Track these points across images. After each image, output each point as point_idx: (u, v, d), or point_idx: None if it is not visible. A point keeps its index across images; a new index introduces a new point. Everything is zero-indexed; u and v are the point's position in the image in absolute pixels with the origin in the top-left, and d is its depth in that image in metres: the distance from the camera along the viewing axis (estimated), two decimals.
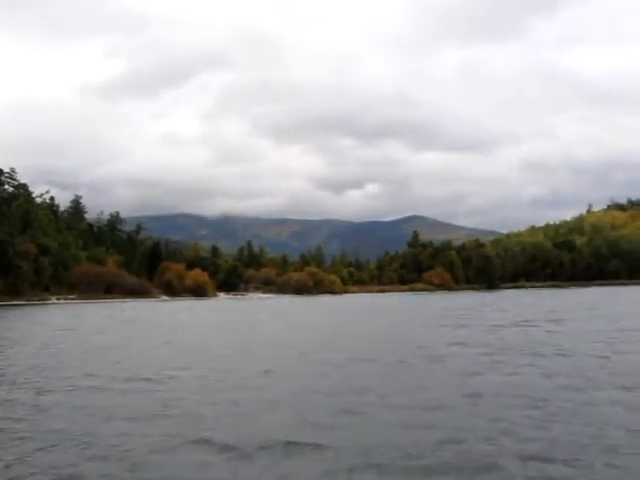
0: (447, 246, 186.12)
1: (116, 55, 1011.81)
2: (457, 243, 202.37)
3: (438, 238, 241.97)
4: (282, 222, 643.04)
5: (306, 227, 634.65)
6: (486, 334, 29.61)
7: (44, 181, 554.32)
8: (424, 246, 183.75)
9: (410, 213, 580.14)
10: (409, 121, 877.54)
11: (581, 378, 15.69)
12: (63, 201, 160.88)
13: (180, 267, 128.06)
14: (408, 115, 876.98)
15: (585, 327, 33.24)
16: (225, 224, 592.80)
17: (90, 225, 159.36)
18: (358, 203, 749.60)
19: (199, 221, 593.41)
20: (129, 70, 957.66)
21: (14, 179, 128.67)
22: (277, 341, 29.41)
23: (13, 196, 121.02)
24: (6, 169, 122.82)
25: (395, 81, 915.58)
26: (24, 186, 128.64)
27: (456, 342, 25.47)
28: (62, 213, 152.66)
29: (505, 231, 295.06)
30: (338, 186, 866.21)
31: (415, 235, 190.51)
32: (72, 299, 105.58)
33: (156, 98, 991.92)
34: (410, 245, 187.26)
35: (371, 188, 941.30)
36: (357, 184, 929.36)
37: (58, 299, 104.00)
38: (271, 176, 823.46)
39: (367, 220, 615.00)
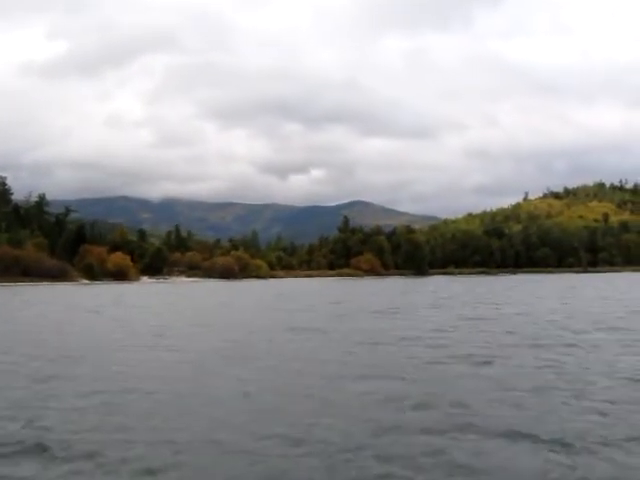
0: (377, 231, 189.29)
1: (58, 36, 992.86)
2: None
3: (381, 224, 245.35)
4: (226, 206, 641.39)
5: (250, 211, 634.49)
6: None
7: None
8: (354, 231, 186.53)
9: (354, 198, 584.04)
10: (356, 107, 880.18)
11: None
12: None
13: (101, 250, 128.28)
14: (355, 101, 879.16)
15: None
16: (168, 207, 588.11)
17: (17, 207, 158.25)
18: (302, 188, 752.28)
19: (142, 204, 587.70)
20: (72, 51, 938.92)
21: None
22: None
23: None
24: None
25: (343, 68, 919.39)
26: None
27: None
28: None
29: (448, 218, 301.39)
30: (283, 171, 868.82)
31: (345, 220, 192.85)
32: None
33: (100, 79, 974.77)
34: (340, 230, 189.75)
35: (316, 173, 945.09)
36: (302, 169, 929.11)
37: None
38: (215, 160, 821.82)
39: (310, 205, 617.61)
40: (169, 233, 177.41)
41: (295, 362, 16.75)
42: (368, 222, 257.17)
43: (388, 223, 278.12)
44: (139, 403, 12.32)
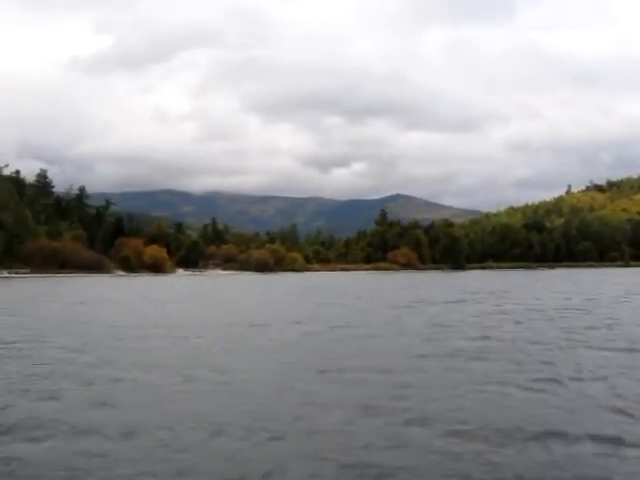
0: (414, 225, 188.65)
1: (105, 30, 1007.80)
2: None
3: (423, 218, 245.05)
4: (268, 199, 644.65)
5: (292, 205, 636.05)
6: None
7: (31, 155, 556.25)
8: (391, 225, 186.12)
9: (396, 192, 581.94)
10: (398, 100, 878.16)
11: None
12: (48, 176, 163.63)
13: (138, 242, 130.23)
14: (397, 94, 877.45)
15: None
16: (210, 201, 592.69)
17: (58, 200, 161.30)
18: (344, 181, 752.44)
19: (184, 198, 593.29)
20: (117, 45, 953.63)
21: None
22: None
23: None
24: None
25: (384, 60, 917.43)
26: None
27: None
28: (29, 187, 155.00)
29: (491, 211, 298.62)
30: (325, 164, 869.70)
31: (383, 213, 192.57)
32: (24, 273, 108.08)
33: (144, 74, 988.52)
34: (377, 223, 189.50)
35: (357, 167, 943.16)
36: (344, 162, 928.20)
37: (9, 273, 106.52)
38: (258, 153, 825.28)
39: (352, 198, 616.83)
40: (206, 226, 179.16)
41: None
42: (410, 216, 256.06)
43: (430, 217, 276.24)
44: None
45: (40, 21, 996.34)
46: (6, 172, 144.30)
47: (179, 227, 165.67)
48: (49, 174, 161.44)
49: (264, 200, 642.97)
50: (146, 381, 12.97)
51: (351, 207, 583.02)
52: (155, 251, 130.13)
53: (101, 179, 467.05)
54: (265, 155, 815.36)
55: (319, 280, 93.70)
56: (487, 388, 12.06)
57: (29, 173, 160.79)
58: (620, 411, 10.11)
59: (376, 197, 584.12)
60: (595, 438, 8.68)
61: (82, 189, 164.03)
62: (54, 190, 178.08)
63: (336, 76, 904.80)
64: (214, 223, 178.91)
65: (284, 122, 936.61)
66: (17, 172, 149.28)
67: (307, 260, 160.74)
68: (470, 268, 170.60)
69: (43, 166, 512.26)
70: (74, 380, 13.03)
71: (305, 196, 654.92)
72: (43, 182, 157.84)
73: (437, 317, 27.00)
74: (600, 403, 10.69)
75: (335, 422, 9.66)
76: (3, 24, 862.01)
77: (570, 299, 39.23)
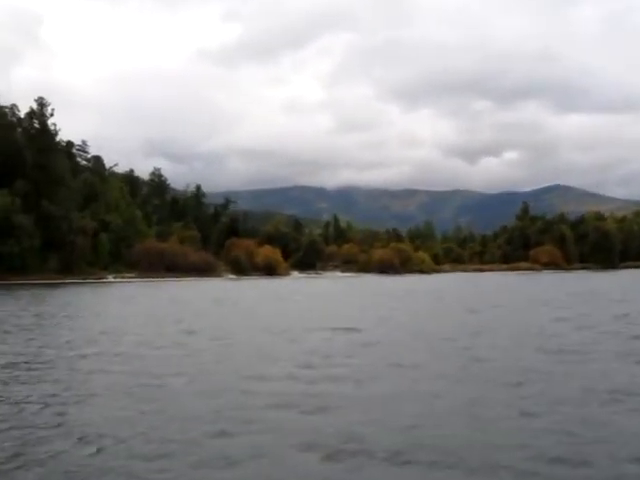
0: (560, 219, 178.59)
1: (233, 19, 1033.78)
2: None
3: (586, 210, 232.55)
4: (409, 193, 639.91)
5: (436, 199, 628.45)
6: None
7: (159, 154, 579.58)
8: (533, 219, 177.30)
9: (553, 182, 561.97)
10: (551, 80, 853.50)
11: None
12: (176, 174, 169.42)
13: (250, 243, 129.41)
14: (551, 74, 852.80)
15: None
16: (347, 196, 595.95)
17: (174, 199, 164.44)
18: (493, 172, 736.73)
19: (319, 194, 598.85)
20: (246, 34, 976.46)
21: (85, 151, 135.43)
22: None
23: (80, 170, 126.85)
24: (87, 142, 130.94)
25: (534, 37, 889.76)
26: (98, 159, 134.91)
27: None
28: (143, 187, 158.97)
29: None
30: (471, 154, 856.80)
31: (525, 207, 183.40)
32: (130, 277, 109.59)
33: (275, 63, 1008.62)
34: (518, 218, 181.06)
35: (508, 155, 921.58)
36: (493, 151, 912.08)
37: (115, 277, 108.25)
38: (398, 144, 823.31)
39: (503, 191, 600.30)
40: (327, 224, 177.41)
41: None
42: (570, 209, 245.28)
43: (595, 210, 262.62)
44: None
45: (164, 13, 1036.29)
46: (119, 171, 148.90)
47: (297, 226, 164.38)
48: (177, 172, 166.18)
49: (406, 194, 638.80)
50: None
51: (502, 200, 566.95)
52: (268, 252, 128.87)
53: (231, 176, 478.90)
54: (405, 145, 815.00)
55: (444, 283, 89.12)
56: None
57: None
58: None
59: (530, 189, 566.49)
60: None
61: (198, 187, 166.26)
62: (177, 189, 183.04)
63: (482, 56, 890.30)
64: (335, 220, 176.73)
65: (426, 109, 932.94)
66: (131, 170, 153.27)
67: (437, 260, 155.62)
68: (623, 267, 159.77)
69: (171, 164, 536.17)
70: None
71: (450, 189, 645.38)
72: (158, 181, 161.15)
73: None
74: None
75: None
76: (125, 17, 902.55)
77: None
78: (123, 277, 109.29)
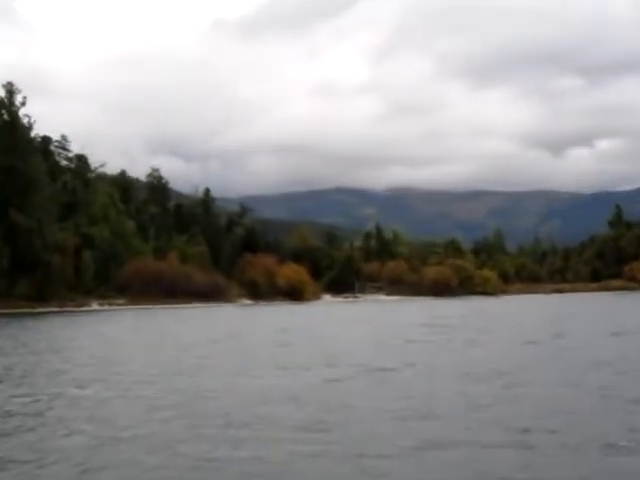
0: None
1: None
2: None
3: None
4: (477, 195, 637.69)
5: (511, 201, 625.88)
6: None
7: (167, 151, 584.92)
8: (629, 226, 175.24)
9: None
10: None
11: None
12: (186, 176, 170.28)
13: (269, 261, 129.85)
14: None
15: None
16: (399, 200, 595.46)
17: (178, 206, 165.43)
18: (585, 167, 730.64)
19: (364, 197, 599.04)
20: (271, 1, 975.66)
21: (66, 149, 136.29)
22: None
23: (59, 171, 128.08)
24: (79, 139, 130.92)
25: (633, 2, 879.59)
26: (81, 158, 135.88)
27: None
28: (140, 191, 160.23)
29: None
30: (556, 144, 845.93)
31: (617, 211, 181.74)
32: (119, 305, 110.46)
33: (307, 36, 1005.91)
34: (611, 225, 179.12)
35: (603, 145, 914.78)
36: (583, 141, 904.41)
37: (101, 305, 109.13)
38: (462, 133, 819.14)
39: (597, 190, 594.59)
40: (367, 235, 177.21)
41: None
42: None
43: None
44: None
45: None
46: (109, 172, 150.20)
47: (330, 238, 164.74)
48: (188, 172, 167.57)
49: (472, 197, 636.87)
50: None
51: (596, 202, 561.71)
52: (292, 272, 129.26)
53: (255, 177, 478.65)
54: (472, 135, 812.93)
55: (520, 308, 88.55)
56: None
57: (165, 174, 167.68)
58: None
59: (631, 187, 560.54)
60: None
61: (207, 191, 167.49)
62: (185, 193, 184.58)
63: (569, 24, 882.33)
64: (378, 231, 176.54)
65: (497, 88, 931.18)
66: (122, 172, 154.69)
67: (506, 278, 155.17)
68: None
69: (181, 164, 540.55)
70: None
71: (530, 189, 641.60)
72: (157, 183, 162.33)
73: None
74: None
75: None
76: None
77: None
78: (110, 304, 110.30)
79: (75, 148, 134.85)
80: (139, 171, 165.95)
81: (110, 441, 14.56)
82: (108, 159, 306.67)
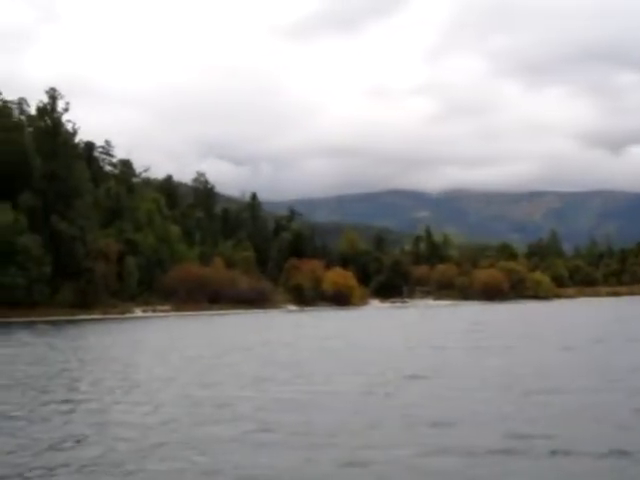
0: None
1: None
2: None
3: None
4: (535, 196, 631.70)
5: (570, 202, 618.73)
6: None
7: (216, 155, 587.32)
8: None
9: None
10: None
11: None
12: (237, 180, 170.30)
13: (315, 265, 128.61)
14: None
15: None
16: (453, 202, 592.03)
17: (226, 211, 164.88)
18: None
19: (418, 199, 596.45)
20: (324, 2, 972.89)
21: (110, 154, 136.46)
22: None
23: (103, 178, 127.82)
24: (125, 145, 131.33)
25: None
26: (126, 163, 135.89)
27: None
28: (184, 196, 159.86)
29: None
30: (617, 142, 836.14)
31: None
32: (162, 311, 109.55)
33: (359, 35, 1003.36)
34: None
35: None
36: None
37: (144, 311, 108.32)
38: (519, 132, 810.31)
39: None
40: (417, 238, 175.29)
41: None
42: None
43: None
44: None
45: None
46: (156, 176, 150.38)
47: (379, 242, 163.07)
48: (238, 176, 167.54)
49: (530, 198, 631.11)
50: None
51: None
52: (338, 276, 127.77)
53: (307, 180, 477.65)
54: (529, 134, 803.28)
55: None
56: None
57: (214, 178, 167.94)
58: None
59: None
60: None
61: (254, 196, 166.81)
62: (233, 197, 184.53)
63: (628, 19, 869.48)
64: (428, 234, 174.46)
65: (554, 86, 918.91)
66: (169, 177, 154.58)
67: (560, 282, 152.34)
68: None
69: (231, 168, 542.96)
70: None
71: (589, 189, 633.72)
72: (203, 188, 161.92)
73: None
74: None
75: None
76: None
77: None
78: (154, 310, 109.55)
79: (121, 153, 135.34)
80: (189, 175, 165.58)
81: None
82: (158, 164, 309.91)
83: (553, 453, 13.82)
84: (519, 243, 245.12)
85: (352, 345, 44.04)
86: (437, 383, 24.38)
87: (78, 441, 16.08)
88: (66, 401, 22.09)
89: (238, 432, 16.30)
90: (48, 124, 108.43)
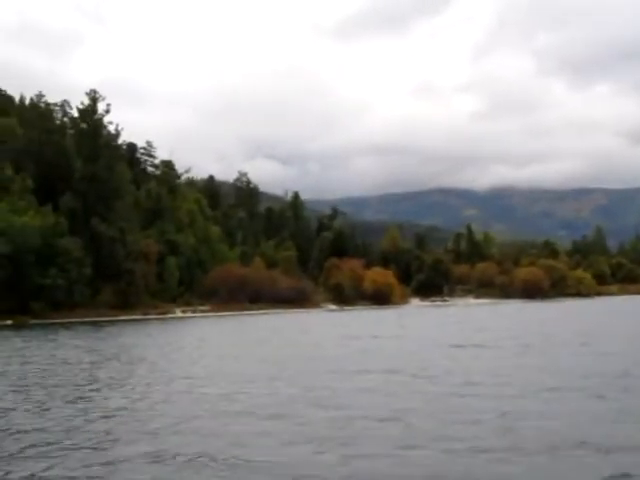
0: None
1: None
2: None
3: None
4: (583, 194, 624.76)
5: (618, 199, 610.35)
6: None
7: (263, 154, 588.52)
8: None
9: None
10: None
11: None
12: (284, 180, 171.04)
13: (355, 265, 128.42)
14: None
15: None
16: (501, 200, 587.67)
17: (270, 211, 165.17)
18: None
19: (465, 198, 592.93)
20: (369, 1, 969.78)
21: (152, 155, 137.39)
22: None
23: (144, 179, 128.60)
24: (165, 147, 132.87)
25: None
26: (168, 164, 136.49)
27: None
28: (226, 196, 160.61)
29: None
30: None
31: None
32: (202, 311, 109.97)
33: (405, 35, 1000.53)
34: None
35: None
36: None
37: (184, 312, 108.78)
38: (566, 130, 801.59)
39: None
40: (457, 236, 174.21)
41: None
42: None
43: None
44: None
45: None
46: (200, 176, 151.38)
47: (420, 240, 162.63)
48: (285, 175, 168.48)
49: (578, 195, 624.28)
50: None
51: None
52: (378, 275, 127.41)
53: (354, 179, 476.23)
54: (577, 132, 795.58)
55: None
56: None
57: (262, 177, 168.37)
58: None
59: None
60: None
61: (296, 195, 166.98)
62: (279, 196, 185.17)
63: None
64: (469, 232, 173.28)
65: (603, 83, 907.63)
66: (211, 177, 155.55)
67: (602, 279, 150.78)
68: None
69: (279, 167, 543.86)
70: None
71: (636, 186, 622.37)
72: (245, 188, 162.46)
73: None
74: None
75: None
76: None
77: None
78: (195, 311, 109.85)
79: (164, 154, 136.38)
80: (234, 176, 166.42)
81: None
82: (206, 165, 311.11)
83: None
84: (566, 240, 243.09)
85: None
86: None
87: None
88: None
89: None
90: (89, 126, 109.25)
